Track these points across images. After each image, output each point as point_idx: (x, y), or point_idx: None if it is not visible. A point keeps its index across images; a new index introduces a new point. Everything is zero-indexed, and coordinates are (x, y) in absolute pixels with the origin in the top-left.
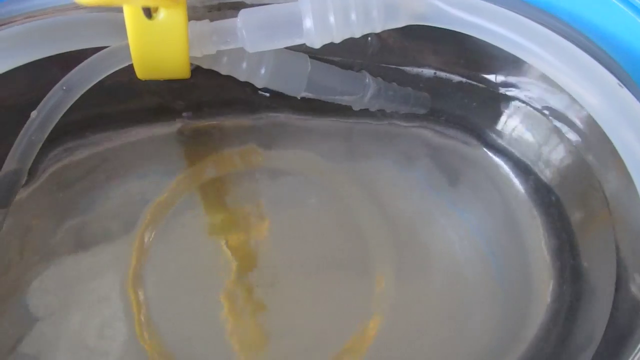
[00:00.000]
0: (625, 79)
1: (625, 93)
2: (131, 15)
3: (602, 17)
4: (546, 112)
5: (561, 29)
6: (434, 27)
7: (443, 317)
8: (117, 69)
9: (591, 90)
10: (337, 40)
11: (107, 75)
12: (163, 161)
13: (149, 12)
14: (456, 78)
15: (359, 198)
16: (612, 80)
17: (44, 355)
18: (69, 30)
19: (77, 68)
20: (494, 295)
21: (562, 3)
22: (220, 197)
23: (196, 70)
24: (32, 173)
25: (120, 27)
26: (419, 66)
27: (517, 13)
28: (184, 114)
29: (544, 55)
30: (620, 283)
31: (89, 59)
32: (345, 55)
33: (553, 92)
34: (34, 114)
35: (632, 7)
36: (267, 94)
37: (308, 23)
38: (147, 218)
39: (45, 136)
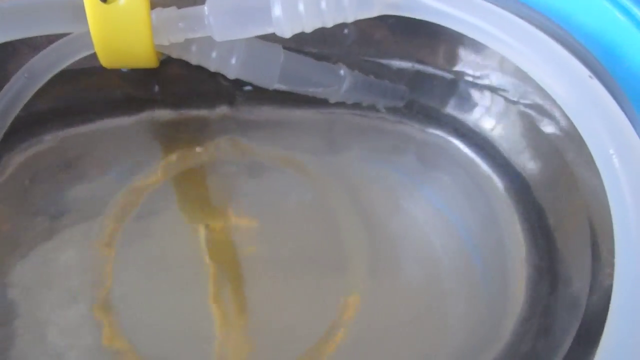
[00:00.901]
0: (600, 72)
1: (595, 84)
2: (89, 0)
3: (577, 7)
4: (526, 107)
5: (535, 18)
6: (411, 18)
7: (419, 313)
8: (81, 56)
9: (561, 81)
10: (308, 30)
11: (81, 63)
12: (137, 152)
13: None
14: (434, 71)
15: (337, 193)
16: (583, 71)
17: (7, 352)
18: (29, 15)
19: (39, 55)
20: (472, 292)
21: None
22: (195, 190)
23: (170, 59)
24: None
25: (83, 12)
26: (397, 59)
27: (491, 3)
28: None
29: (515, 45)
30: (596, 276)
31: (52, 46)
32: (322, 47)
33: (532, 87)
34: None
35: None
36: (250, 87)
37: (277, 11)
38: (119, 210)
39: (8, 124)
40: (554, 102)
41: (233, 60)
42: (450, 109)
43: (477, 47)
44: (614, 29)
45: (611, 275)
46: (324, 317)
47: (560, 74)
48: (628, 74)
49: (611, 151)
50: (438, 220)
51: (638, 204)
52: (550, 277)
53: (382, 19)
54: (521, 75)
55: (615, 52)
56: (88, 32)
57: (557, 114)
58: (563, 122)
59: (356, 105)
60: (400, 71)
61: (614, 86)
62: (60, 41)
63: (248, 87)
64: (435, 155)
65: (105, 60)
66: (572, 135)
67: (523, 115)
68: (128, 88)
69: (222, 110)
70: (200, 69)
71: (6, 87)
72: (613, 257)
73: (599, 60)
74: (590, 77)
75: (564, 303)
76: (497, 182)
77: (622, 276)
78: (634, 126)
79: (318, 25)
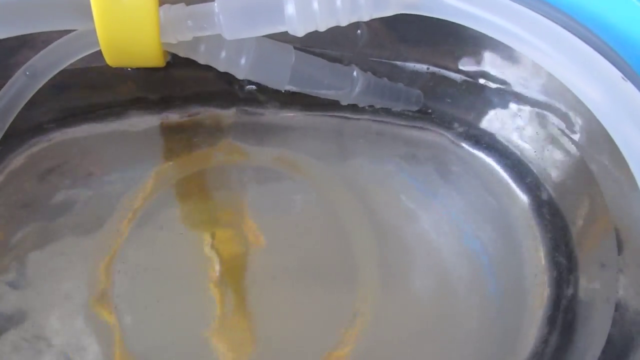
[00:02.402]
0: (629, 74)
1: (629, 87)
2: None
3: (606, 8)
4: (550, 117)
5: (561, 19)
6: (428, 17)
7: (429, 327)
8: (84, 54)
9: (593, 84)
10: (322, 29)
11: (84, 61)
12: (140, 155)
13: None
14: (452, 75)
15: (347, 201)
16: (616, 73)
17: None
18: (33, 11)
19: (41, 53)
20: (485, 306)
21: None
22: (199, 195)
23: (176, 60)
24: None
25: (87, 8)
26: (412, 61)
27: (515, 2)
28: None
29: (542, 47)
30: (621, 295)
31: (55, 43)
32: (334, 48)
33: (558, 97)
34: None
35: None
36: (254, 87)
37: (290, 9)
38: (120, 214)
39: (8, 124)
40: (578, 112)
41: (242, 61)
42: (469, 116)
43: (500, 50)
44: None
45: (638, 295)
46: (332, 330)
47: (592, 76)
48: None
49: None
50: (451, 232)
51: None
52: (570, 294)
53: (398, 18)
54: (547, 83)
55: None
56: (92, 30)
57: (583, 124)
58: (589, 134)
59: (368, 110)
60: (416, 74)
61: None
62: (63, 38)
63: (252, 87)
64: (451, 164)
65: (110, 59)
66: (598, 148)
67: (547, 126)
68: (131, 89)
69: (229, 113)
70: (207, 70)
71: (7, 85)
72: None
73: (628, 63)
74: (623, 79)
75: (586, 321)
76: (517, 194)
77: None
78: None
79: (332, 24)
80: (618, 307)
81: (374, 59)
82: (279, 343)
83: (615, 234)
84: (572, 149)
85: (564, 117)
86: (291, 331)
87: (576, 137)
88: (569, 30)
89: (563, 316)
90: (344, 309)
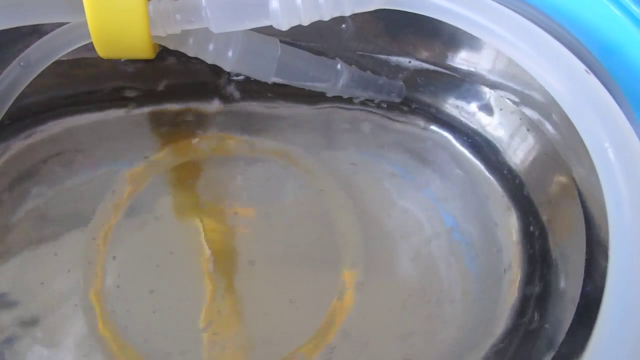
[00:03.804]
0: (595, 66)
1: (591, 79)
2: None
3: (575, 5)
4: (524, 107)
5: (531, 13)
6: (410, 13)
7: (413, 309)
8: (77, 45)
9: (557, 76)
10: (305, 23)
11: (77, 53)
12: (134, 144)
13: None
14: (432, 68)
15: (333, 188)
16: (579, 65)
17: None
18: (27, 4)
19: (35, 44)
20: (466, 289)
21: None
22: (189, 184)
23: (167, 52)
24: None
25: (80, 1)
26: (394, 55)
27: None
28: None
29: (513, 40)
30: (589, 272)
31: (49, 35)
32: (319, 41)
33: (531, 87)
34: None
35: None
36: (242, 78)
37: (274, 3)
38: (114, 201)
39: (2, 113)
40: (551, 102)
41: (230, 53)
42: (449, 107)
43: (477, 44)
44: (611, 25)
45: (605, 271)
46: (318, 313)
47: (556, 68)
48: (623, 69)
49: (606, 144)
50: (433, 217)
51: (633, 196)
52: (543, 273)
53: (380, 13)
54: (520, 75)
55: (611, 47)
56: (84, 22)
57: (554, 114)
58: (559, 122)
59: (353, 101)
60: (398, 67)
61: (609, 81)
62: (57, 30)
63: (240, 77)
64: (432, 153)
65: (101, 51)
66: (568, 135)
67: (521, 115)
68: (123, 80)
69: (218, 104)
70: (196, 62)
71: (1, 76)
72: (607, 250)
73: (594, 56)
74: (586, 71)
75: (557, 299)
76: (493, 180)
77: (616, 266)
78: (629, 120)
79: (315, 18)
80: (586, 284)
81: (359, 53)
82: (268, 323)
83: (583, 214)
84: (542, 134)
85: (534, 104)
86: (277, 315)
87: (546, 124)
88: (540, 25)
89: (537, 297)
90: (329, 289)
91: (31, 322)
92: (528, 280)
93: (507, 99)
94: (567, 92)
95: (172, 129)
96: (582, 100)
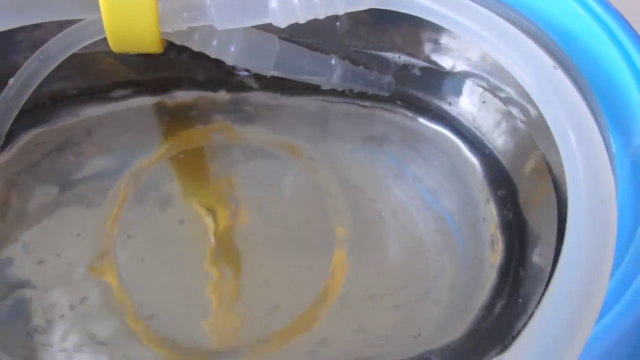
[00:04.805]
0: (565, 62)
1: (558, 74)
2: None
3: (547, 5)
4: (502, 98)
5: (508, 13)
6: (400, 14)
7: (403, 284)
8: (91, 41)
9: (528, 71)
10: (302, 21)
11: (90, 47)
12: (140, 133)
13: None
14: (418, 62)
15: (328, 176)
16: (548, 62)
17: (15, 319)
18: (46, 2)
19: (53, 39)
20: (452, 265)
21: None
22: (193, 171)
23: (172, 47)
24: (11, 139)
25: (95, 1)
26: (385, 51)
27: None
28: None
29: (489, 37)
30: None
31: (65, 31)
32: (315, 38)
33: (508, 80)
34: (11, 81)
35: None
36: (245, 73)
37: (273, 3)
38: (123, 186)
39: (22, 102)
40: (526, 94)
41: (232, 48)
42: (435, 99)
43: (460, 41)
44: (578, 24)
45: None
46: (312, 289)
47: (527, 64)
48: (590, 64)
49: (569, 132)
50: (421, 201)
51: (589, 176)
52: (519, 248)
53: (371, 12)
54: (499, 69)
55: (579, 44)
56: (99, 19)
57: (529, 104)
58: (534, 111)
59: (348, 94)
60: (388, 62)
61: (577, 75)
62: (74, 26)
63: (244, 73)
64: (420, 141)
65: (114, 45)
66: (540, 122)
67: (499, 105)
68: (132, 73)
69: (220, 96)
70: (200, 56)
71: (22, 68)
72: None
73: (565, 52)
74: (554, 67)
75: (532, 272)
76: (476, 165)
77: (570, 238)
78: (595, 110)
79: (311, 16)
80: (556, 258)
81: (352, 48)
82: (266, 300)
83: (555, 194)
84: (520, 123)
85: (512, 96)
86: (274, 290)
87: (523, 113)
88: (513, 23)
89: (514, 270)
90: (322, 271)
91: (50, 299)
92: (507, 255)
93: (488, 91)
94: (537, 85)
95: (178, 119)
96: (550, 93)
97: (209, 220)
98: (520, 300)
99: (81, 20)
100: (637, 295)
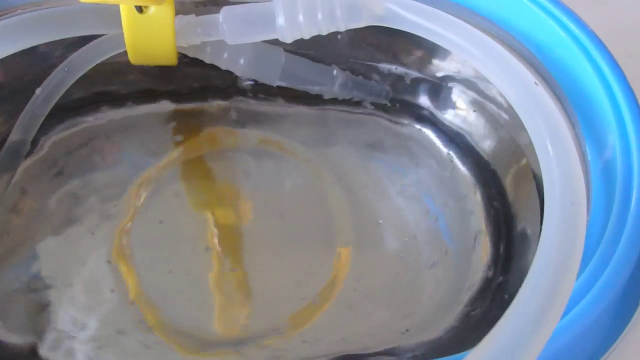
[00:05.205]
0: (547, 77)
1: (539, 90)
2: (126, 10)
3: (530, 25)
4: (488, 106)
5: (495, 32)
6: (395, 29)
7: (399, 276)
8: (112, 54)
9: (511, 86)
10: (306, 37)
11: (108, 59)
12: (151, 139)
13: (140, 8)
14: (413, 73)
15: (328, 177)
16: (530, 78)
17: (41, 313)
18: (72, 19)
19: (77, 52)
20: (442, 260)
21: (498, 11)
22: (202, 172)
23: (184, 59)
24: (35, 144)
25: (116, 17)
26: (383, 62)
27: (459, 18)
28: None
29: (477, 54)
30: None
31: (88, 45)
32: (318, 50)
33: (493, 90)
34: (38, 91)
35: (553, 16)
36: (251, 82)
37: (280, 20)
38: (136, 189)
39: (48, 111)
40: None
41: (241, 61)
42: (428, 107)
43: (450, 55)
44: (559, 44)
45: None
46: (313, 283)
47: (511, 80)
48: (570, 82)
49: (547, 141)
50: (413, 201)
51: (563, 183)
52: (506, 243)
53: (370, 28)
54: (486, 82)
55: (561, 64)
56: (119, 34)
57: (514, 113)
58: (518, 119)
59: (347, 102)
60: (385, 73)
61: (557, 90)
62: (96, 41)
63: (250, 82)
64: (415, 146)
65: (133, 58)
66: (525, 131)
67: (486, 112)
68: (147, 82)
69: (229, 103)
70: (211, 67)
71: (49, 78)
72: None
73: (546, 68)
74: (536, 84)
75: (517, 268)
76: (463, 169)
77: (545, 237)
78: (573, 122)
79: (315, 32)
80: None
81: (352, 60)
82: (270, 293)
83: (537, 192)
84: (507, 131)
85: (499, 105)
86: (280, 283)
87: (508, 122)
88: (500, 41)
89: (502, 262)
90: (324, 265)
91: (68, 289)
92: (495, 248)
93: (477, 100)
94: (519, 99)
95: (188, 125)
96: (531, 106)
97: (216, 219)
98: (506, 296)
99: (103, 35)
100: (606, 285)
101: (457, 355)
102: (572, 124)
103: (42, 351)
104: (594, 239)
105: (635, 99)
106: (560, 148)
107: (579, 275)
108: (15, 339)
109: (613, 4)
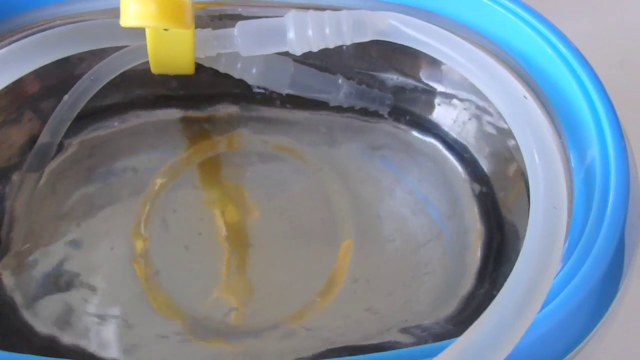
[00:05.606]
0: (535, 89)
1: (529, 102)
2: (151, 29)
3: (521, 42)
4: (483, 116)
5: (489, 47)
6: (396, 43)
7: (400, 269)
8: (135, 64)
9: (502, 98)
10: (315, 50)
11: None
12: (168, 142)
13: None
14: (414, 83)
15: (332, 179)
16: (520, 91)
17: (63, 307)
18: (102, 32)
19: (102, 62)
20: (441, 255)
21: (491, 28)
22: (215, 175)
23: (200, 68)
24: (61, 146)
25: (139, 31)
26: (385, 72)
27: (456, 34)
28: None
29: (471, 68)
30: None
31: (113, 55)
32: (325, 60)
33: (487, 101)
34: (65, 97)
35: (540, 33)
36: (261, 90)
37: (291, 35)
38: (152, 189)
39: (74, 116)
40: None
41: (253, 70)
42: (427, 115)
43: (448, 67)
44: (546, 59)
45: None
46: (318, 278)
47: (502, 92)
48: (556, 93)
49: (534, 150)
50: (414, 202)
51: (546, 188)
52: (499, 239)
53: (373, 42)
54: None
55: (547, 75)
56: (142, 46)
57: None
58: (508, 129)
59: (352, 109)
60: (387, 82)
61: (545, 101)
62: (120, 51)
63: (259, 90)
64: (413, 151)
65: (154, 68)
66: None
67: (482, 122)
68: (164, 89)
69: (240, 109)
70: (225, 76)
71: (75, 86)
72: None
73: (535, 80)
74: (525, 97)
75: (510, 262)
76: (461, 172)
77: (528, 236)
78: (559, 131)
79: (322, 46)
80: None
81: (356, 70)
82: (274, 289)
83: (527, 195)
84: (498, 136)
85: (494, 115)
86: (284, 280)
87: (501, 129)
88: (493, 56)
89: (495, 255)
90: (328, 262)
91: (91, 284)
92: (489, 243)
93: (473, 109)
94: (509, 111)
95: (201, 129)
96: (520, 118)
97: (223, 218)
98: (502, 281)
99: (126, 46)
100: (584, 279)
101: (448, 340)
102: (559, 134)
103: (66, 339)
104: (575, 237)
105: (615, 112)
106: (545, 158)
107: (561, 269)
108: (42, 328)
109: (605, 13)
